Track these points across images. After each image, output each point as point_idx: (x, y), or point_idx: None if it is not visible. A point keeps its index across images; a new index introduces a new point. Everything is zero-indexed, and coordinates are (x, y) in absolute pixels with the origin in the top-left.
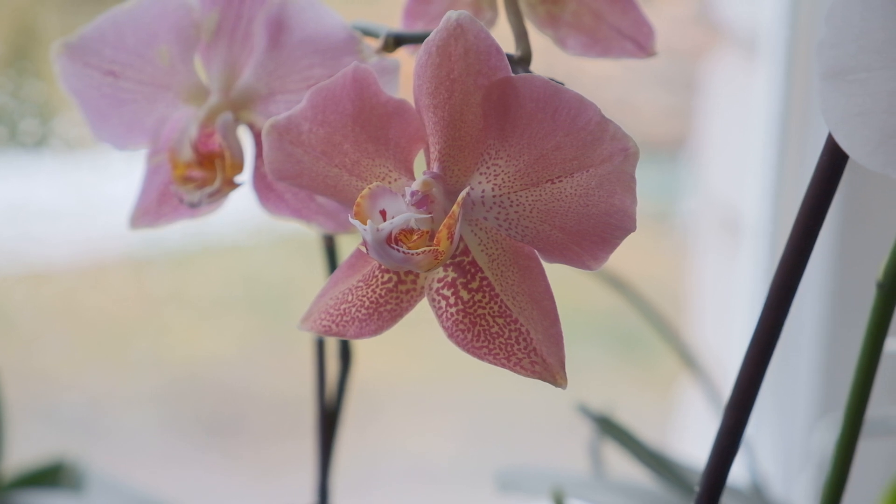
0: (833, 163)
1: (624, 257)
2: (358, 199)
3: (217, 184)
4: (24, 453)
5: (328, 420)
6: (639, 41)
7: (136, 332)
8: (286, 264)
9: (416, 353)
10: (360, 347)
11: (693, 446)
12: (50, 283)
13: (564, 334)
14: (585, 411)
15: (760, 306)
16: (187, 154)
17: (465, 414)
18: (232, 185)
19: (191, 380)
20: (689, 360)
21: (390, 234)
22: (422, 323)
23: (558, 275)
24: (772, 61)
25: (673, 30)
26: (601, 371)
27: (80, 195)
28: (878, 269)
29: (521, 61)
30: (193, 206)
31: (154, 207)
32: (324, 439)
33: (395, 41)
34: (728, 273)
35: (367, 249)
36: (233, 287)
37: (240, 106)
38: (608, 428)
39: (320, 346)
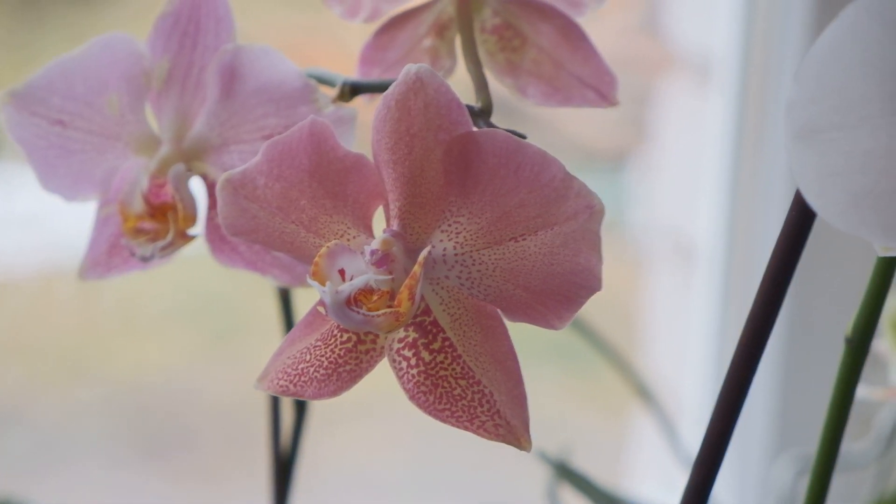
0: (802, 219)
1: None
2: (316, 259)
3: (170, 237)
4: None
5: (282, 468)
6: (601, 90)
7: (81, 347)
8: (234, 275)
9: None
10: None
11: (647, 475)
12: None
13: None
14: (543, 457)
15: (728, 360)
16: (138, 206)
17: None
18: (185, 238)
19: (138, 392)
20: (640, 389)
21: (350, 295)
22: None
23: None
24: (725, 86)
25: (619, 40)
26: (554, 393)
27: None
28: (832, 309)
29: (482, 113)
30: (145, 260)
31: (104, 259)
32: (278, 488)
33: (352, 90)
34: (680, 298)
35: (325, 311)
36: (180, 298)
37: (192, 156)
38: (565, 473)
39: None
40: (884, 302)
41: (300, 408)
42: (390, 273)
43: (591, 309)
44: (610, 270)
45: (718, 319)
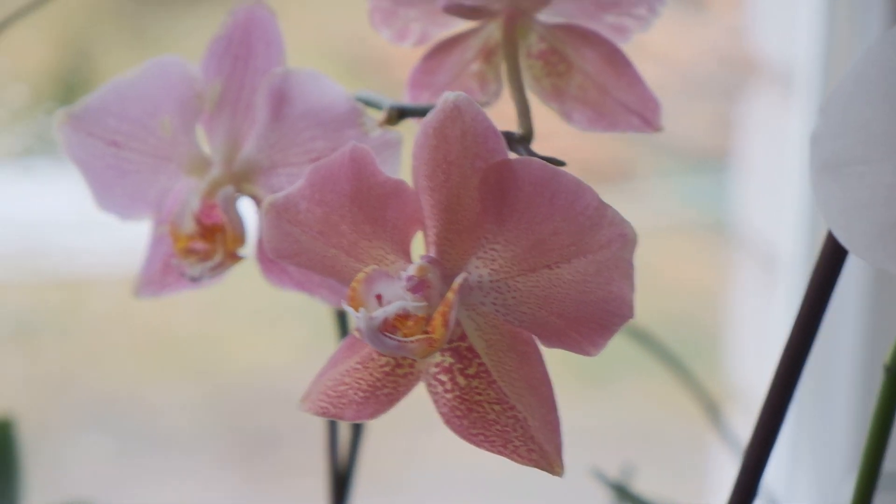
0: (835, 251)
1: (672, 267)
2: (353, 284)
3: (218, 257)
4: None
5: (339, 484)
6: (645, 116)
7: (192, 342)
8: None
9: None
10: None
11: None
12: (96, 292)
13: None
14: (601, 477)
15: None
16: (189, 226)
17: None
18: (234, 258)
19: (242, 390)
20: (709, 407)
21: (383, 321)
22: None
23: None
24: (807, 98)
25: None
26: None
27: None
28: None
29: (523, 140)
30: (194, 280)
31: (158, 277)
32: (335, 501)
33: (399, 114)
34: (764, 303)
35: (360, 335)
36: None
37: (242, 178)
38: (624, 496)
39: None
40: None
41: (357, 425)
42: (426, 299)
43: (681, 312)
44: (712, 269)
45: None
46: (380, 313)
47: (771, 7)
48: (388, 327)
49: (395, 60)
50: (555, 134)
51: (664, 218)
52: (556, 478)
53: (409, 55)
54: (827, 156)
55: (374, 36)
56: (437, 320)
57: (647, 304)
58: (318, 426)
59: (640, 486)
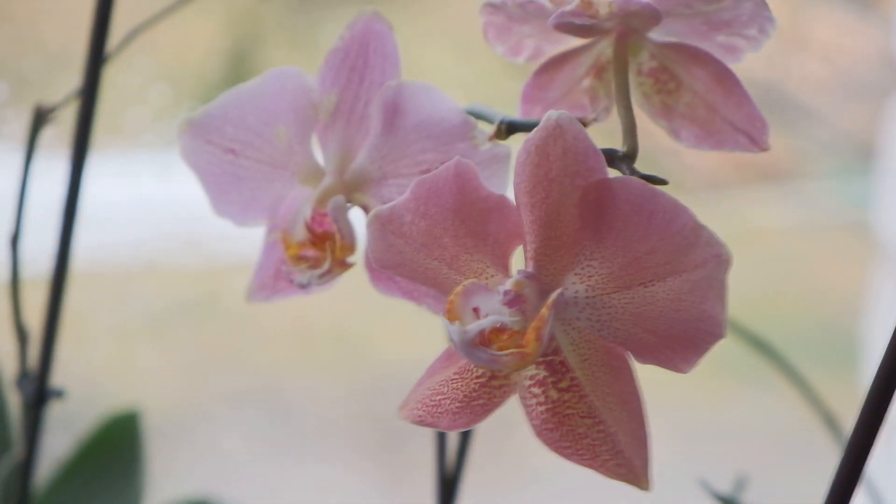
0: None
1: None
2: (451, 297)
3: (327, 265)
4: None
5: (447, 487)
6: (752, 136)
7: (323, 335)
8: None
9: None
10: None
11: None
12: (233, 284)
13: None
14: (709, 490)
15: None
16: (301, 234)
17: None
18: (344, 266)
19: (377, 382)
20: (827, 418)
21: (476, 335)
22: None
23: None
24: None
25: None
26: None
27: None
28: None
29: (626, 158)
30: (302, 287)
31: (270, 282)
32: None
33: (509, 128)
34: None
35: (454, 348)
36: None
37: (353, 188)
38: None
39: None
40: None
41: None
42: (522, 313)
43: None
44: (849, 271)
45: None
46: (473, 327)
47: None
48: (484, 340)
49: None
50: None
51: (821, 217)
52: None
53: None
54: None
55: None
56: (531, 335)
57: (797, 303)
58: None
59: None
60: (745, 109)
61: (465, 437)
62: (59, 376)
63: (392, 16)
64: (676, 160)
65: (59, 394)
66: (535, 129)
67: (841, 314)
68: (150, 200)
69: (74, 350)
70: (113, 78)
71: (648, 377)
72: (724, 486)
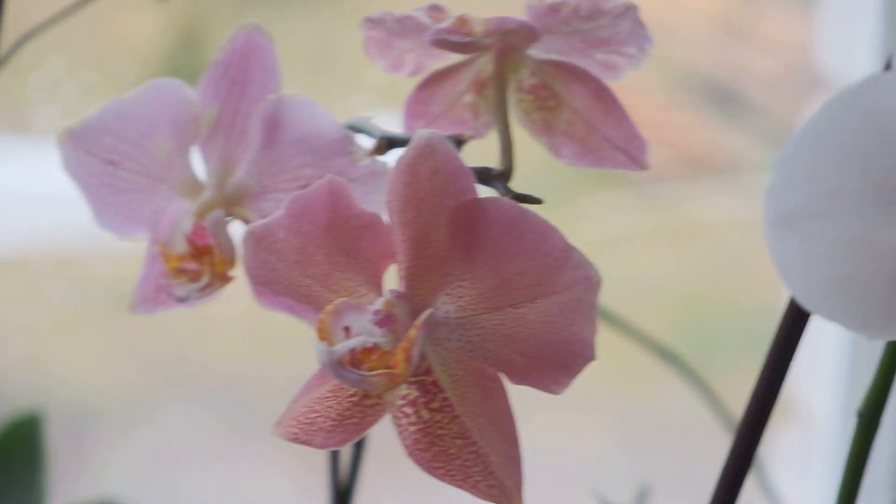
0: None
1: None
2: (321, 316)
3: (206, 279)
4: None
5: (341, 499)
6: (631, 154)
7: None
8: None
9: None
10: None
11: None
12: None
13: None
14: (602, 500)
15: None
16: (181, 247)
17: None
18: (224, 280)
19: None
20: (728, 424)
21: (343, 355)
22: None
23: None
24: None
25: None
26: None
27: None
28: None
29: (501, 176)
30: (181, 300)
31: (152, 295)
32: None
33: (389, 143)
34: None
35: (322, 367)
36: None
37: (233, 202)
38: None
39: None
40: (893, 379)
41: (358, 441)
42: (393, 333)
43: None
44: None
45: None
46: (341, 347)
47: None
48: (354, 360)
49: None
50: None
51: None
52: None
53: None
54: (782, 209)
55: None
56: (400, 355)
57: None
58: None
59: None
60: (623, 127)
61: (359, 448)
62: None
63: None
64: None
65: None
66: (407, 147)
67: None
68: (59, 191)
69: None
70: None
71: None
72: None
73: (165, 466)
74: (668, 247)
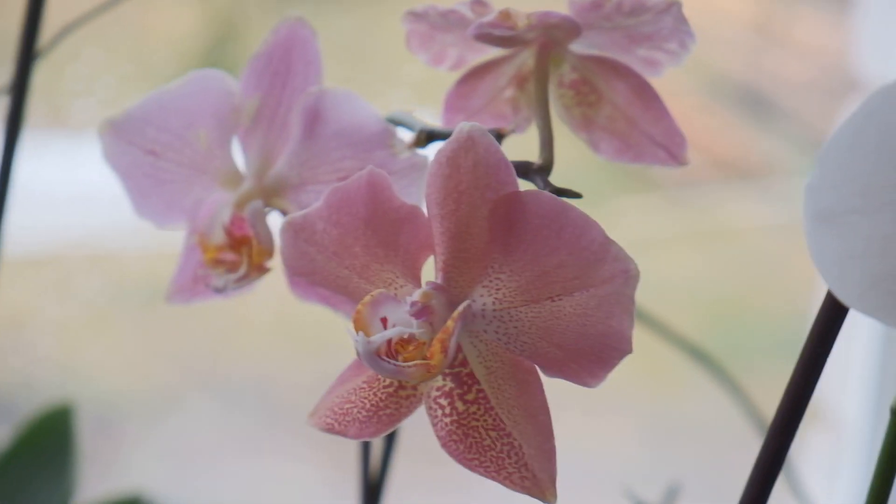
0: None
1: (799, 266)
2: (358, 307)
3: (243, 269)
4: None
5: (371, 494)
6: (671, 150)
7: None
8: None
9: None
10: None
11: None
12: None
13: None
14: (633, 498)
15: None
16: (219, 237)
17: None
18: (261, 271)
19: None
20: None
21: (380, 346)
22: None
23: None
24: None
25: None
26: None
27: None
28: None
29: (541, 170)
30: (218, 291)
31: (189, 285)
32: None
33: (429, 137)
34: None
35: (360, 358)
36: None
37: (272, 193)
38: None
39: None
40: None
41: (390, 434)
42: (430, 325)
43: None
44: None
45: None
46: (377, 338)
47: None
48: (391, 351)
49: None
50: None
51: (796, 215)
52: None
53: None
54: (822, 206)
55: None
56: (436, 346)
57: (773, 299)
58: None
59: None
60: (663, 123)
61: (390, 443)
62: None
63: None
64: None
65: None
66: (447, 140)
67: (814, 311)
68: (94, 187)
69: (16, 341)
70: (68, 59)
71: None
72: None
73: (195, 461)
74: (699, 249)
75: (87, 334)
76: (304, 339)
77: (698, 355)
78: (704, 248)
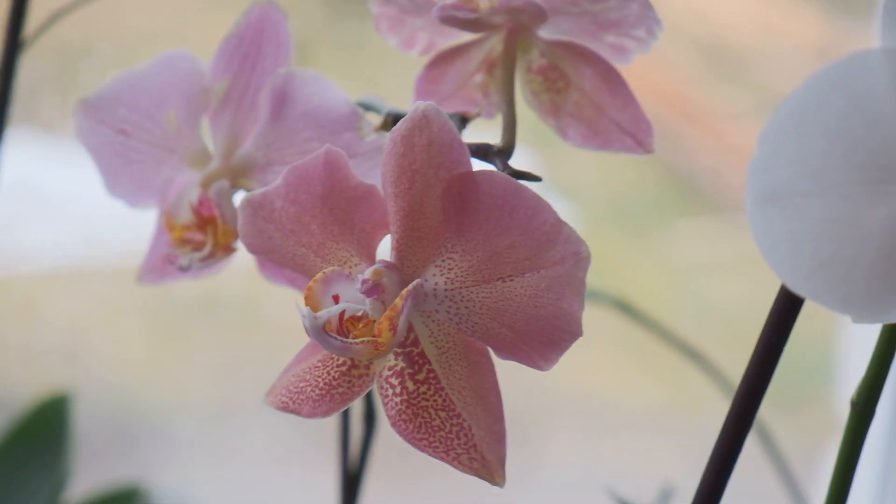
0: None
1: None
2: (310, 283)
3: (208, 249)
4: None
5: (350, 483)
6: (637, 137)
7: None
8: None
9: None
10: None
11: None
12: None
13: None
14: (617, 498)
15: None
16: (186, 217)
17: None
18: (227, 250)
19: None
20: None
21: (328, 321)
22: None
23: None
24: None
25: None
26: None
27: None
28: None
29: (501, 153)
30: (183, 270)
31: (159, 266)
32: (346, 500)
33: (395, 120)
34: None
35: (307, 333)
36: None
37: (239, 173)
38: None
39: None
40: (889, 367)
41: (369, 423)
42: (382, 303)
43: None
44: None
45: None
46: (324, 313)
47: None
48: (342, 329)
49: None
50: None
51: None
52: None
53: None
54: (765, 186)
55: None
56: (384, 324)
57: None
58: None
59: None
60: (630, 111)
61: (369, 433)
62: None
63: None
64: (717, 180)
65: None
66: (402, 119)
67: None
68: None
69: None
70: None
71: None
72: None
73: (242, 473)
74: (752, 275)
75: (141, 346)
76: None
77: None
78: (759, 273)
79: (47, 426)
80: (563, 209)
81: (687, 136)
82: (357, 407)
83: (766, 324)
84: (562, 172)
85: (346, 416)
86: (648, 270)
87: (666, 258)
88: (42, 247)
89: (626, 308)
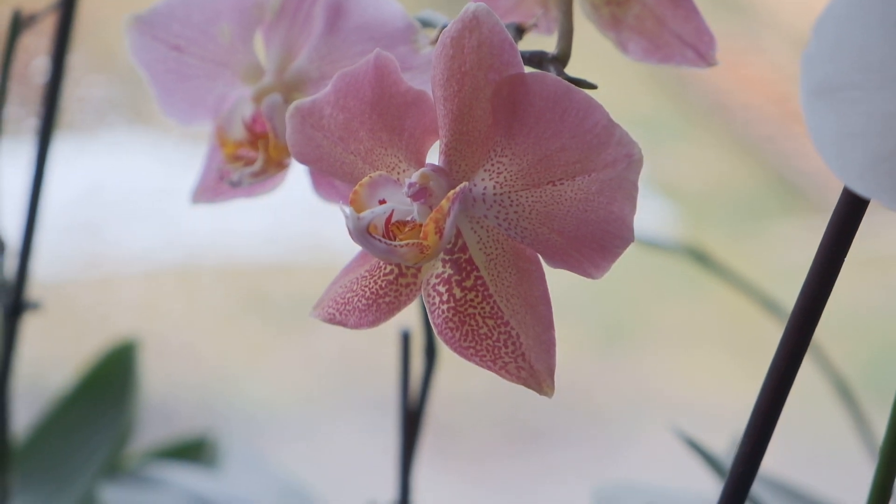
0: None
1: None
2: (356, 187)
3: (259, 164)
4: None
5: (412, 419)
6: (699, 50)
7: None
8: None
9: None
10: None
11: None
12: None
13: None
14: (697, 449)
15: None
16: (239, 132)
17: None
18: (278, 167)
19: None
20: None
21: (373, 223)
22: None
23: None
24: None
25: None
26: None
27: None
28: None
29: (555, 60)
30: (233, 186)
31: (212, 184)
32: (406, 439)
33: None
34: None
35: (350, 235)
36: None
37: (292, 88)
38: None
39: (405, 342)
40: None
41: (429, 358)
42: (429, 207)
43: None
44: None
45: None
46: (367, 214)
47: None
48: (389, 233)
49: None
50: None
51: None
52: None
53: None
54: (820, 79)
55: None
56: (430, 227)
57: None
58: None
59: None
60: (693, 23)
61: (429, 367)
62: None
63: None
64: (812, 181)
65: (34, 306)
66: (453, 21)
67: None
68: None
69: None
70: None
71: None
72: None
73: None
74: (860, 277)
75: (231, 345)
76: (447, 357)
77: (842, 390)
78: (866, 275)
79: (114, 375)
80: (665, 210)
81: (790, 135)
82: (418, 341)
83: (826, 233)
84: (663, 174)
85: (406, 350)
86: (749, 271)
87: (769, 258)
88: (151, 247)
89: (702, 258)
